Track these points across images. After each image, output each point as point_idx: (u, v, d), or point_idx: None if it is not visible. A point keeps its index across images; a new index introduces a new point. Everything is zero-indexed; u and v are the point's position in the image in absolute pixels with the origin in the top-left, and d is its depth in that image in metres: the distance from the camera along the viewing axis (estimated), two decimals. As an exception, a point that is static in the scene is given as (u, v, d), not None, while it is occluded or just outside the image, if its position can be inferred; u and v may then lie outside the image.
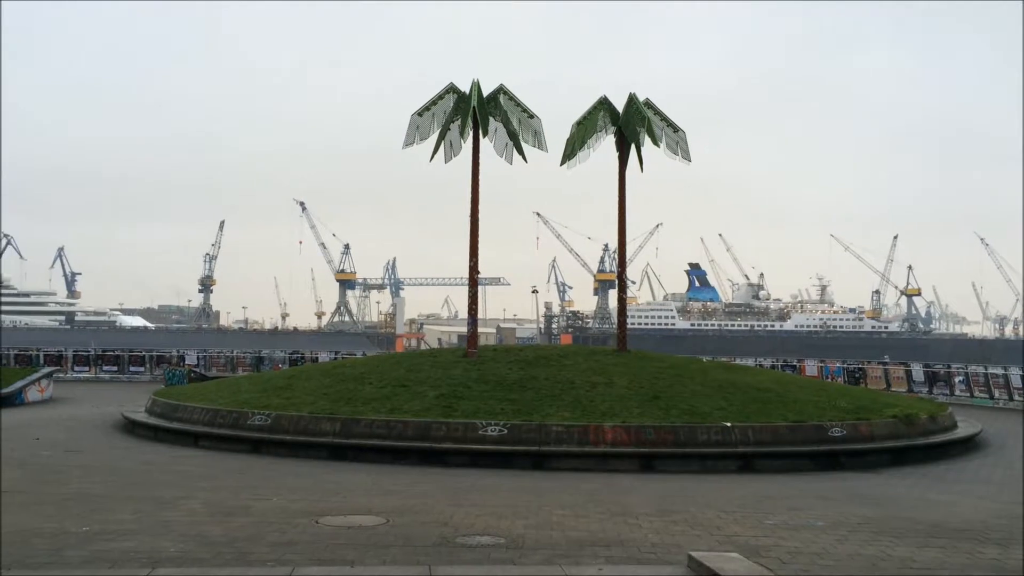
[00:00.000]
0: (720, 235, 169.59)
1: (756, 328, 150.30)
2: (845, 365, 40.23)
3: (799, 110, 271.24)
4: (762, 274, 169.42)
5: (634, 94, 25.24)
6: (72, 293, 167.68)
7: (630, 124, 24.87)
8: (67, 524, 9.41)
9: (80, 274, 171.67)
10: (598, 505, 11.45)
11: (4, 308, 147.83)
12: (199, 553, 8.10)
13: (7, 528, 9.12)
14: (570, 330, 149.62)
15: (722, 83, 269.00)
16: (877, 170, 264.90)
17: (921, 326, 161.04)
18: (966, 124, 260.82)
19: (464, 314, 26.98)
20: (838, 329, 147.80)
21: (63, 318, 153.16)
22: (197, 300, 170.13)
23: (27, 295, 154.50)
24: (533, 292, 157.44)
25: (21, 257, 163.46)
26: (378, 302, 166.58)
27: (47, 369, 34.87)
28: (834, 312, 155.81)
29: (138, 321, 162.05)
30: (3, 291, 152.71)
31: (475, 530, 9.38)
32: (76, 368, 45.61)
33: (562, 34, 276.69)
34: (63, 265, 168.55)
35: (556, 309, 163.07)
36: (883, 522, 10.58)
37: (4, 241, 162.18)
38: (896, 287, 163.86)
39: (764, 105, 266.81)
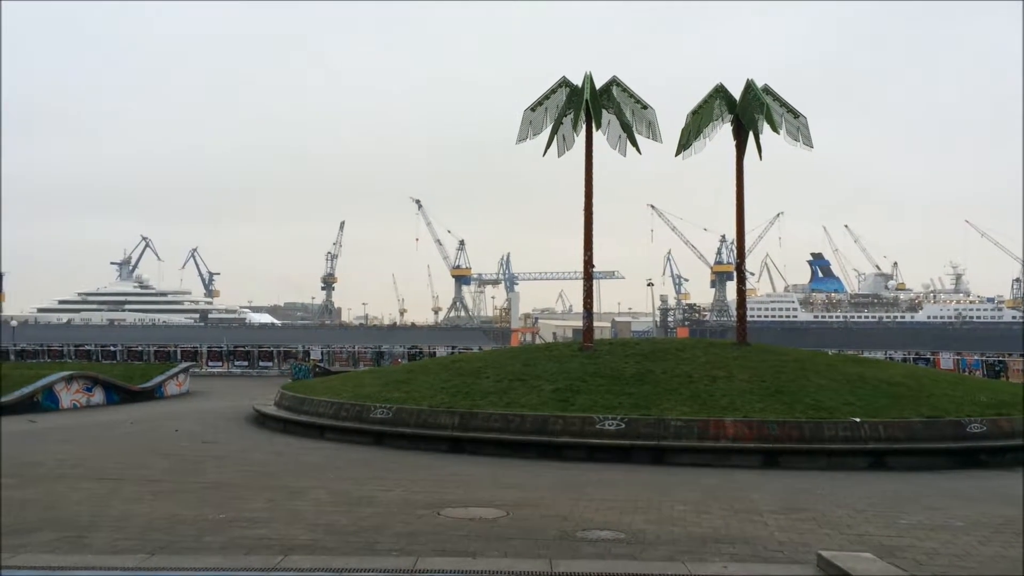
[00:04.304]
0: (846, 226, 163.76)
1: (885, 320, 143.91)
2: (984, 358, 38.15)
3: (922, 85, 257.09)
4: (895, 263, 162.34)
5: (752, 80, 24.48)
6: (209, 292, 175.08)
7: (748, 111, 24.18)
8: (206, 511, 9.92)
9: (218, 274, 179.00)
10: (720, 501, 11.21)
11: (144, 307, 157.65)
12: (328, 541, 8.39)
13: (157, 514, 9.71)
14: (686, 323, 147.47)
15: (834, 63, 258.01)
16: (1012, 149, 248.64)
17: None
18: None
19: (578, 308, 26.95)
20: (975, 320, 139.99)
21: (198, 316, 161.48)
22: (320, 297, 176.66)
23: (164, 294, 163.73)
24: (648, 285, 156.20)
25: (158, 259, 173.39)
26: (493, 297, 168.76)
27: (184, 364, 36.89)
28: (970, 302, 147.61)
29: (266, 318, 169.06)
30: (143, 290, 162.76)
31: (595, 524, 9.35)
32: (210, 363, 48.36)
33: (665, 21, 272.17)
34: (197, 265, 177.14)
35: (672, 302, 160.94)
36: (1030, 524, 9.94)
37: (143, 244, 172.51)
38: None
39: (881, 84, 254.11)
